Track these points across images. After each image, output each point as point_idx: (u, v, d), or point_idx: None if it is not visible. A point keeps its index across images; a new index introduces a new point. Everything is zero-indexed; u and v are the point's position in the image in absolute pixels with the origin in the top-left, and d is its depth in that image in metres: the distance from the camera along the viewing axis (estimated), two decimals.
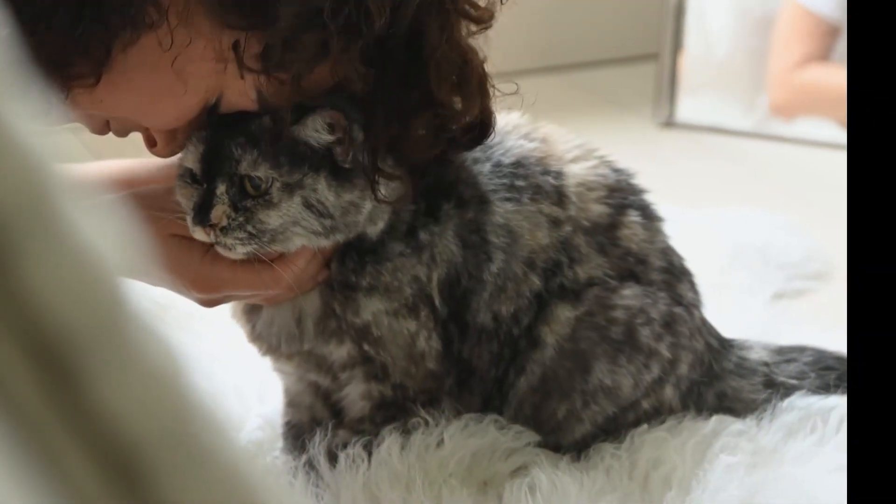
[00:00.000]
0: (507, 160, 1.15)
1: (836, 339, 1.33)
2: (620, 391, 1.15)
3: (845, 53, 2.30)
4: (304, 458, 1.16)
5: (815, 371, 1.27)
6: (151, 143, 1.08)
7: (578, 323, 1.14)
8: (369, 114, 1.04)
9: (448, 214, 1.12)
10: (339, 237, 1.06)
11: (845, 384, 1.25)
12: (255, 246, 1.02)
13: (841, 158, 2.20)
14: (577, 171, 1.17)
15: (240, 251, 1.03)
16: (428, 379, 1.14)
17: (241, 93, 1.02)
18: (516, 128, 1.18)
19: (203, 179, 1.03)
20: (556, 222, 1.14)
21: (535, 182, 1.15)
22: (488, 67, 1.15)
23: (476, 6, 1.07)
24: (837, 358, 1.29)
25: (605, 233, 1.16)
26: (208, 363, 1.33)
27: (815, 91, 2.32)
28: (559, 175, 1.16)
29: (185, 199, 1.05)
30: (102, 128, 1.08)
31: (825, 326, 1.46)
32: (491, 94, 1.10)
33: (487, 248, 1.12)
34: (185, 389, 0.35)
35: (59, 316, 0.34)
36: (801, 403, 1.22)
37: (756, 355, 1.27)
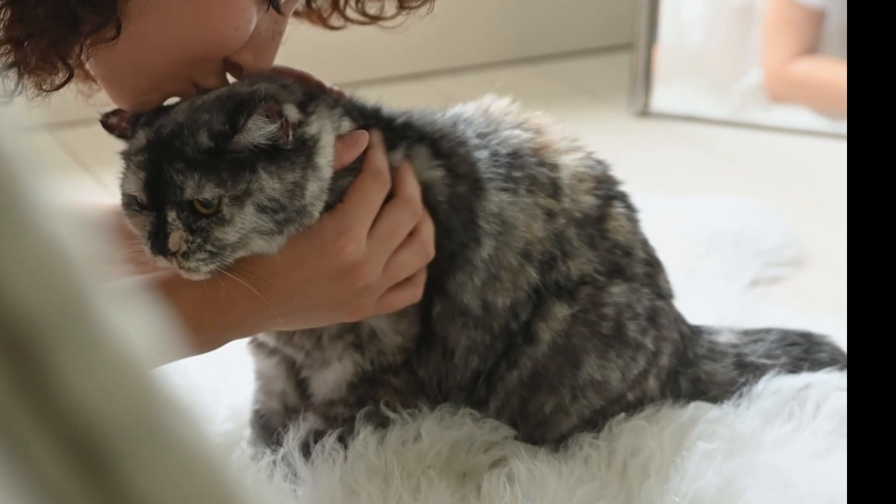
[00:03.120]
0: (503, 150, 1.15)
1: (811, 326, 1.34)
2: (609, 385, 1.16)
3: (831, 35, 2.32)
4: (281, 452, 1.15)
5: (782, 347, 1.29)
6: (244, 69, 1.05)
7: (573, 320, 1.14)
8: None
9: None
10: (292, 229, 1.02)
11: (811, 359, 1.28)
12: (218, 262, 0.99)
13: (816, 145, 2.23)
14: (569, 163, 1.17)
15: (204, 271, 1.00)
16: (408, 340, 1.13)
17: None
18: (508, 114, 1.18)
19: (151, 207, 1.00)
20: (550, 214, 1.15)
21: (531, 173, 1.15)
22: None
23: None
24: (801, 334, 1.32)
25: (595, 225, 1.17)
26: None
27: (809, 84, 2.34)
28: (554, 167, 1.16)
29: (139, 228, 1.02)
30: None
31: (801, 312, 1.47)
32: None
33: (477, 231, 1.12)
34: (152, 378, 0.35)
35: (25, 304, 0.34)
36: (775, 387, 1.23)
37: (725, 338, 1.29)
